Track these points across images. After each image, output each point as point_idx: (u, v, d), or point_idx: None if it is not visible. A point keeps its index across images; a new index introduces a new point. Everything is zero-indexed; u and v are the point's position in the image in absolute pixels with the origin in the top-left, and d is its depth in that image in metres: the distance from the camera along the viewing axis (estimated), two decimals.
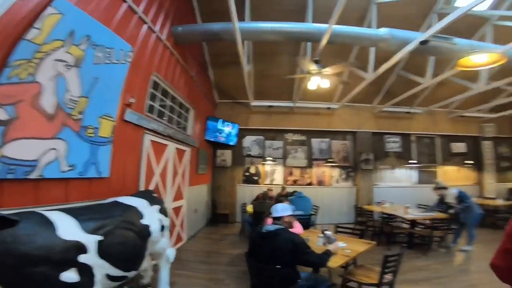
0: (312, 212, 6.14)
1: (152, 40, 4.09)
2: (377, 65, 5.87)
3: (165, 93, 4.87)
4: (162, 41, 4.44)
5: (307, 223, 5.04)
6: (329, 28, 4.47)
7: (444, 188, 5.31)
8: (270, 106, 8.62)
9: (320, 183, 8.79)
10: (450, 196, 5.23)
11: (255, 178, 8.79)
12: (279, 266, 2.24)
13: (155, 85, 4.45)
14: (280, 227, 2.43)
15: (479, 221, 5.12)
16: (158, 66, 4.34)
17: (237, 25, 4.25)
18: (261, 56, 6.91)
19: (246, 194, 8.41)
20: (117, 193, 2.91)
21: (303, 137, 8.99)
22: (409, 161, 8.73)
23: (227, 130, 8.03)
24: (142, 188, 3.85)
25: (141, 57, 3.79)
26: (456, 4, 5.33)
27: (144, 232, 2.44)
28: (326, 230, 3.16)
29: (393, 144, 8.98)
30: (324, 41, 4.77)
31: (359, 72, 6.54)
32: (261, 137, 8.95)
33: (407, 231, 5.63)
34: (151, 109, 4.31)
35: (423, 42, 4.55)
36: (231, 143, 8.23)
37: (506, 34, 5.19)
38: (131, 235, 2.23)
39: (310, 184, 8.76)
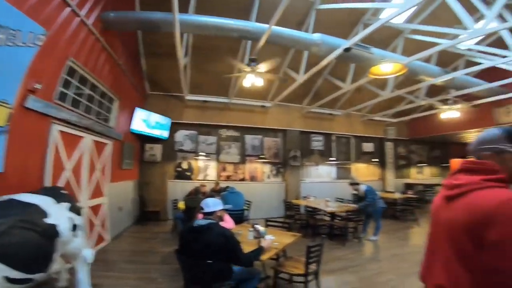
0: (245, 207, 6.26)
1: (74, 24, 3.66)
2: (308, 68, 6.31)
3: (83, 80, 4.28)
4: (87, 26, 3.99)
5: (240, 218, 5.11)
6: (269, 29, 4.61)
7: (357, 183, 5.88)
8: (205, 101, 8.43)
9: (253, 178, 9.05)
10: (361, 191, 5.81)
11: (188, 173, 8.50)
12: (210, 261, 2.20)
13: (71, 72, 3.88)
14: (212, 222, 2.40)
15: (382, 213, 5.87)
16: (77, 52, 3.86)
17: (178, 17, 4.08)
18: (200, 50, 6.69)
19: (178, 190, 8.06)
20: (15, 190, 2.42)
21: (237, 133, 9.09)
22: (330, 159, 9.74)
23: (157, 124, 7.52)
24: (48, 184, 3.30)
25: (57, 41, 3.33)
26: (381, 16, 5.98)
27: (50, 232, 2.26)
28: (256, 224, 3.28)
29: (317, 143, 9.88)
30: (262, 41, 4.90)
31: (292, 74, 6.97)
32: (195, 132, 8.68)
33: (328, 223, 6.13)
34: (63, 97, 3.72)
35: (347, 50, 5.08)
36: (162, 137, 7.75)
37: (414, 46, 6.21)
38: (32, 235, 2.07)
39: (243, 179, 8.93)
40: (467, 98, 7.96)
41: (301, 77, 6.67)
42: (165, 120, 7.78)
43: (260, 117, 9.06)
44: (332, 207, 6.19)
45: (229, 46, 6.58)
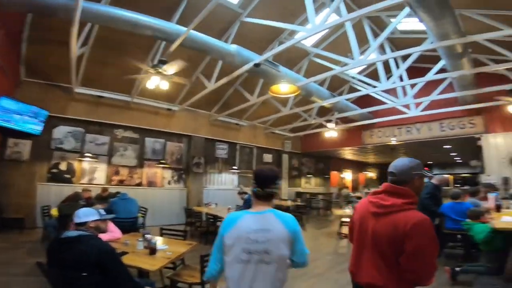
0: (141, 214, 5.67)
1: None
2: (221, 77, 6.34)
3: None
4: None
5: (132, 226, 4.58)
6: (186, 32, 4.45)
7: (245, 192, 6.19)
8: (101, 97, 7.31)
9: (151, 184, 8.30)
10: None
11: (67, 176, 7.05)
12: (85, 274, 1.81)
13: None
14: (83, 233, 2.02)
15: None
16: None
17: (82, 4, 3.58)
18: (104, 42, 5.85)
19: (52, 194, 6.58)
20: None
21: (135, 135, 8.22)
22: (233, 167, 9.99)
23: (27, 115, 5.97)
24: None
25: None
26: (296, 37, 6.40)
27: None
28: (147, 233, 3.00)
29: (221, 151, 10.00)
30: (177, 43, 4.70)
31: (204, 80, 6.88)
32: (81, 130, 7.35)
33: None
34: None
35: (257, 65, 5.40)
36: (33, 132, 6.19)
37: (314, 69, 7.05)
38: None
39: (139, 184, 8.06)
40: (346, 120, 9.72)
41: (212, 85, 6.68)
42: (39, 112, 6.27)
43: (164, 120, 8.50)
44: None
45: (140, 43, 5.98)
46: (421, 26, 4.67)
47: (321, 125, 10.24)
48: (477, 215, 3.72)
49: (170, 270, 3.24)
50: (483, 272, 3.38)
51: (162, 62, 5.05)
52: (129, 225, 4.38)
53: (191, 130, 9.03)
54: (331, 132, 9.36)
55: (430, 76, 5.93)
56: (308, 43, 6.89)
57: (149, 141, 8.44)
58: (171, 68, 4.96)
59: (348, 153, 14.81)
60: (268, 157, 11.69)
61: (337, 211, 7.73)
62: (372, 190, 1.76)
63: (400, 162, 1.48)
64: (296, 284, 3.94)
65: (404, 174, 1.43)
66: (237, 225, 1.45)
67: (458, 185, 20.45)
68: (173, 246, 3.10)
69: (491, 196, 5.01)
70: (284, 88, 5.05)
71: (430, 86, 7.32)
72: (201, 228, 6.46)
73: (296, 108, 8.61)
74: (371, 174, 22.39)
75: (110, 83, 7.15)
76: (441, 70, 5.87)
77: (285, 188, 12.00)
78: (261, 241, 1.39)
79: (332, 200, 12.76)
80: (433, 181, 4.85)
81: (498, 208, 4.62)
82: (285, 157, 12.19)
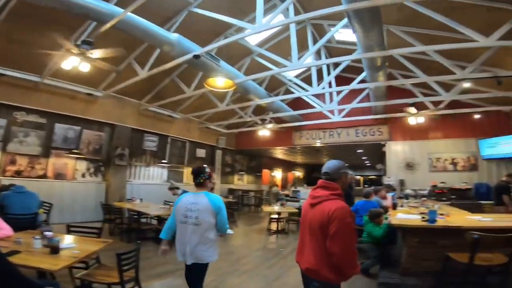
0: (44, 210, 4.83)
1: None
2: (157, 65, 5.87)
3: None
4: None
5: (31, 223, 3.85)
6: (123, 14, 3.99)
7: (177, 188, 5.88)
8: (2, 74, 5.90)
9: (59, 176, 7.08)
10: (178, 195, 5.67)
11: None
12: None
13: None
14: None
15: None
16: None
17: None
18: (20, 17, 4.75)
19: None
20: None
21: (42, 120, 6.90)
22: (163, 161, 9.37)
23: None
24: None
25: None
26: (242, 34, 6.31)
27: None
28: (47, 230, 2.58)
29: (150, 143, 9.25)
30: (109, 25, 4.16)
31: (137, 67, 6.24)
32: None
33: (155, 227, 5.71)
34: None
35: (196, 56, 5.13)
36: None
37: (256, 69, 7.06)
38: None
39: (43, 176, 6.78)
40: (279, 121, 10.16)
41: (144, 73, 6.12)
42: None
43: (82, 106, 7.38)
44: (158, 210, 5.87)
45: (65, 21, 4.98)
46: (353, 38, 5.16)
47: (256, 124, 10.46)
48: (377, 215, 4.11)
49: (81, 270, 2.84)
50: (373, 263, 3.92)
51: (87, 43, 4.36)
52: (27, 222, 3.70)
53: (116, 119, 8.10)
54: (265, 131, 9.66)
55: (353, 85, 6.68)
56: (253, 41, 6.94)
57: (60, 128, 7.20)
58: (98, 52, 4.33)
59: (279, 153, 15.58)
60: (201, 152, 11.37)
61: (267, 208, 8.00)
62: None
63: (331, 164, 1.77)
64: (228, 279, 3.92)
65: (335, 173, 1.73)
66: (182, 200, 2.34)
67: (366, 185, 23.77)
68: (83, 245, 2.72)
69: (389, 195, 5.89)
70: (220, 82, 4.95)
71: (352, 95, 8.25)
72: (122, 225, 5.83)
73: (233, 105, 8.59)
74: (299, 173, 24.13)
75: (16, 60, 5.84)
76: (362, 81, 6.66)
77: (218, 185, 11.88)
78: (193, 210, 2.23)
79: (263, 198, 13.20)
80: None
81: (394, 206, 5.42)
82: (218, 153, 12.06)
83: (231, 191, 12.44)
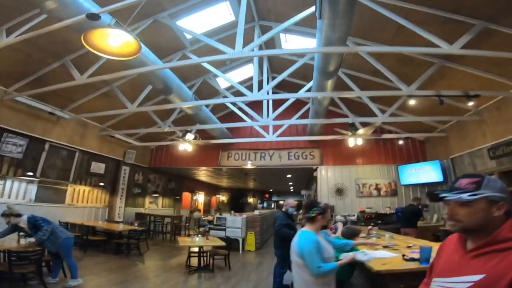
0: None
1: None
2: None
3: None
4: None
5: None
6: None
7: (18, 215, 4.27)
8: None
9: None
10: (23, 222, 4.25)
11: None
12: None
13: None
14: None
15: (71, 246, 4.36)
16: None
17: None
18: None
19: None
20: None
21: None
22: (28, 173, 6.48)
23: None
24: None
25: None
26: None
27: None
28: None
29: (13, 147, 6.30)
30: None
31: None
32: None
33: None
34: None
35: (92, 17, 3.25)
36: None
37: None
38: None
39: None
40: (206, 136, 8.55)
41: (5, 41, 3.93)
42: None
43: None
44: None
45: None
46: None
47: (177, 138, 8.47)
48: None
49: None
50: None
51: None
52: None
53: None
54: (186, 144, 7.87)
55: (301, 93, 5.97)
56: (196, 29, 5.51)
57: None
58: None
59: (203, 174, 13.81)
60: (99, 167, 8.67)
61: (184, 240, 6.13)
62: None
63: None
64: None
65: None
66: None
67: None
68: None
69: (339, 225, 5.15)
70: (115, 40, 2.60)
71: (290, 113, 7.53)
72: None
73: (148, 107, 6.73)
74: (223, 197, 22.47)
75: None
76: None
77: (121, 208, 9.30)
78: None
79: (181, 225, 11.04)
80: (283, 209, 4.63)
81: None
82: (125, 170, 9.59)
83: (139, 216, 9.94)
